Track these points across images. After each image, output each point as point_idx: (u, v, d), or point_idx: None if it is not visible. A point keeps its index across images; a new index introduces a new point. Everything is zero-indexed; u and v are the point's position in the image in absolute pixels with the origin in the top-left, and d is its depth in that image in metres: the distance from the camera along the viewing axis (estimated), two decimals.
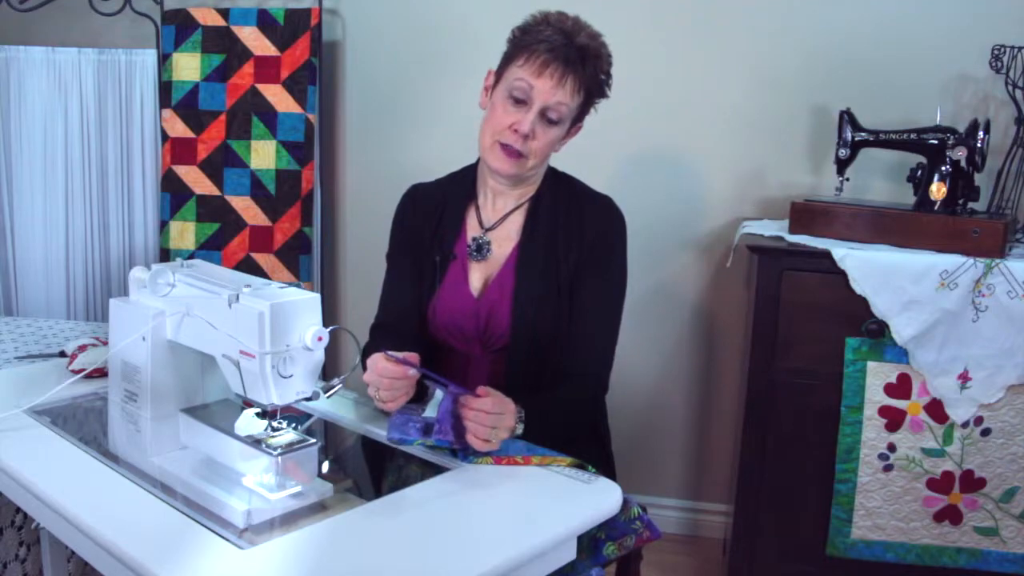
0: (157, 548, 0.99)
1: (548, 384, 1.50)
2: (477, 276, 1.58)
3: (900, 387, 1.91)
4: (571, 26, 1.48)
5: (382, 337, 1.58)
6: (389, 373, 1.30)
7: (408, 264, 1.63)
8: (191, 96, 2.55)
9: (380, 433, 1.37)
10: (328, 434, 1.43)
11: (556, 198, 1.58)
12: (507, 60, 1.51)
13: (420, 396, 1.41)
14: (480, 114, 1.56)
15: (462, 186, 1.63)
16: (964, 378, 1.88)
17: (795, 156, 2.35)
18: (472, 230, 1.60)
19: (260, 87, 2.52)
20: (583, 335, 1.53)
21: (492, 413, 1.25)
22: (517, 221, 1.58)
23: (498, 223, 1.59)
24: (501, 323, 1.52)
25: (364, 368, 1.45)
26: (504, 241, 1.58)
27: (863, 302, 1.88)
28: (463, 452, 1.27)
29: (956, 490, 1.92)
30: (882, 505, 1.95)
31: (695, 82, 2.37)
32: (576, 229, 1.54)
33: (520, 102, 1.47)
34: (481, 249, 1.57)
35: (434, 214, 1.62)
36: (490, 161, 1.51)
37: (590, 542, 1.23)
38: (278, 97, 2.52)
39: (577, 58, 1.45)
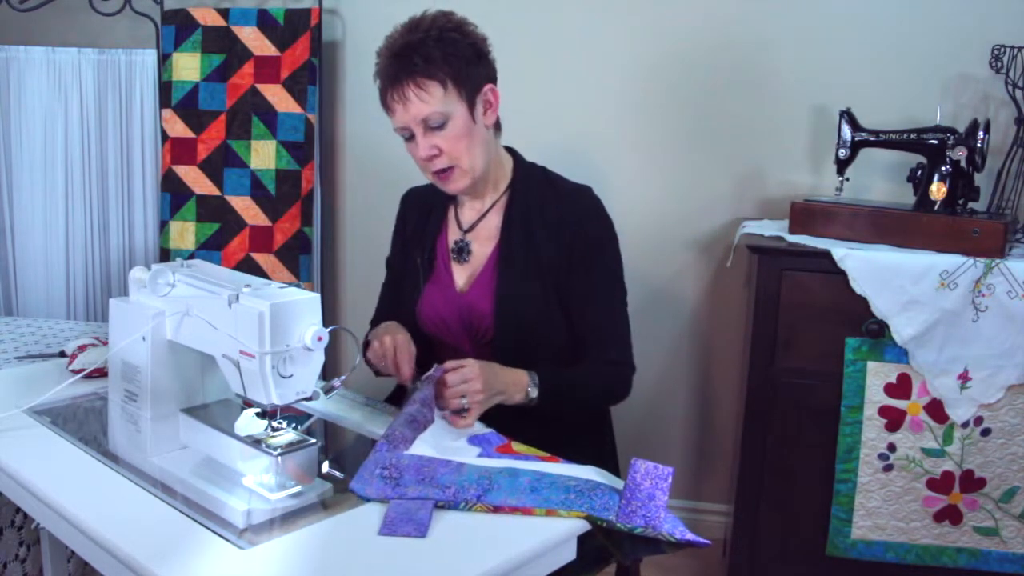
0: (157, 548, 0.99)
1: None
2: (460, 275, 1.60)
3: (900, 387, 1.91)
4: (390, 41, 1.49)
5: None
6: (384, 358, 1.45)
7: (402, 269, 1.67)
8: (191, 96, 2.55)
9: (380, 433, 1.37)
10: (328, 434, 1.43)
11: (530, 192, 1.58)
12: None
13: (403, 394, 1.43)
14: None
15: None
16: (964, 378, 1.88)
17: (795, 156, 2.34)
18: (453, 233, 1.62)
19: (260, 87, 2.52)
20: (595, 326, 1.54)
21: (452, 387, 1.33)
22: (495, 220, 1.59)
23: (476, 224, 1.60)
24: (485, 319, 1.54)
25: (369, 361, 1.55)
26: (484, 241, 1.59)
27: (863, 302, 1.88)
28: (453, 504, 1.12)
29: (956, 490, 1.92)
30: (882, 505, 1.95)
31: (695, 82, 2.37)
32: (554, 221, 1.54)
33: (409, 138, 1.50)
34: (462, 252, 1.59)
35: (422, 217, 1.66)
36: (442, 189, 1.54)
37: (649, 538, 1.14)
38: (278, 97, 2.52)
39: (400, 67, 1.44)
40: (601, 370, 1.54)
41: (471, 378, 1.34)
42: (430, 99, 1.44)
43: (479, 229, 1.60)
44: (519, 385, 1.41)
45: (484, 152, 1.52)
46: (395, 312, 1.63)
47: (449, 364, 1.36)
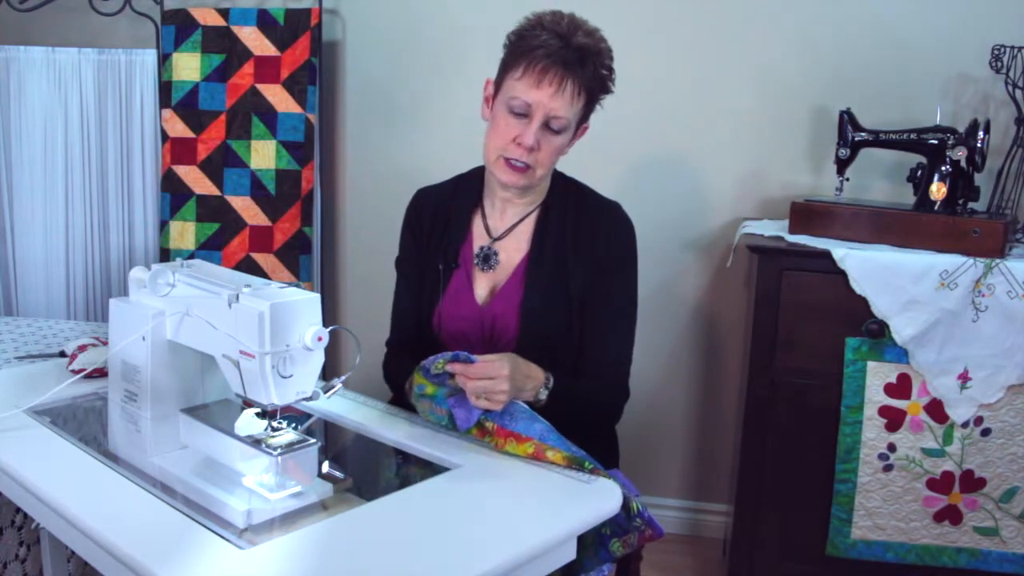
0: (157, 548, 0.99)
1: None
2: (483, 285, 1.56)
3: (900, 387, 1.91)
4: (567, 27, 1.43)
5: (400, 357, 1.60)
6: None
7: (417, 272, 1.62)
8: (191, 96, 2.55)
9: (380, 433, 1.37)
10: (328, 434, 1.43)
11: (565, 206, 1.56)
12: (504, 69, 1.48)
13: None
14: (481, 119, 1.55)
15: (469, 192, 1.61)
16: (964, 378, 1.88)
17: (795, 156, 2.35)
18: (479, 239, 1.58)
19: (260, 87, 2.52)
20: (598, 343, 1.53)
21: (479, 379, 1.29)
22: (526, 231, 1.56)
23: (506, 233, 1.57)
24: (507, 332, 1.52)
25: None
26: (513, 251, 1.56)
27: (863, 302, 1.88)
28: (460, 421, 1.32)
29: (956, 490, 1.92)
30: (882, 505, 1.95)
31: (695, 83, 2.37)
32: (586, 238, 1.53)
33: (521, 115, 1.44)
34: (488, 259, 1.56)
35: (440, 219, 1.61)
36: (498, 175, 1.49)
37: (596, 538, 1.23)
38: (278, 97, 2.52)
39: (575, 60, 1.42)
40: (602, 389, 1.54)
41: (498, 376, 1.30)
42: (573, 106, 1.45)
43: (509, 238, 1.57)
44: (535, 384, 1.40)
45: (551, 170, 1.55)
46: (417, 322, 1.60)
47: (481, 362, 1.32)
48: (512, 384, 1.31)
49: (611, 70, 1.49)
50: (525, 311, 1.51)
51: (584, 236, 1.53)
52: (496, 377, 1.29)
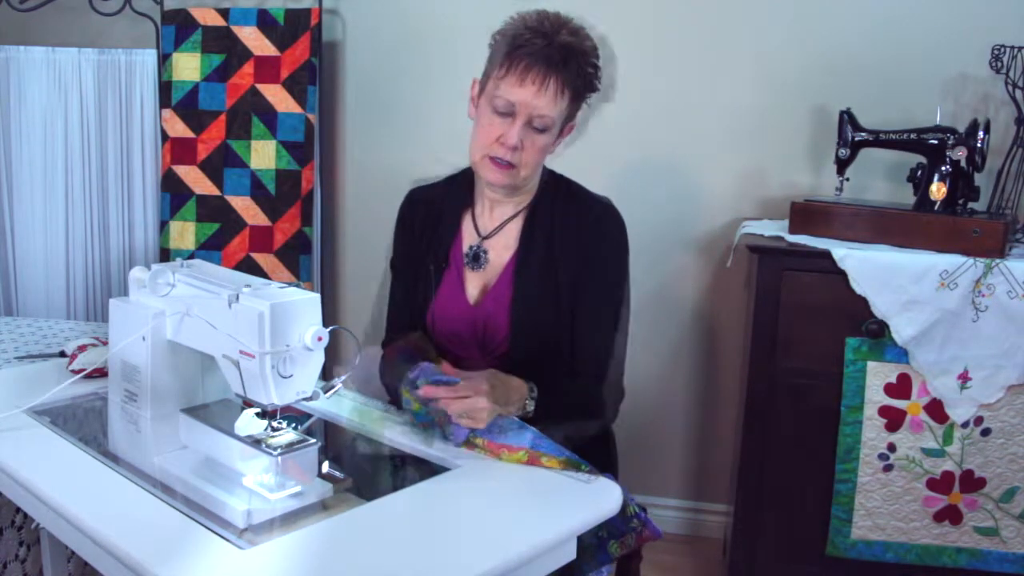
0: (157, 548, 0.99)
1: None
2: (474, 284, 1.57)
3: (900, 387, 1.91)
4: (550, 26, 1.44)
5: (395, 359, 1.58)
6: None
7: (411, 272, 1.62)
8: (191, 96, 2.55)
9: (380, 433, 1.37)
10: (328, 434, 1.43)
11: (554, 204, 1.56)
12: (489, 68, 1.49)
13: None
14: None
15: (459, 192, 1.62)
16: (964, 378, 1.88)
17: (795, 156, 2.35)
18: (469, 238, 1.59)
19: (260, 87, 2.52)
20: (591, 341, 1.52)
21: (456, 397, 1.27)
22: (515, 229, 1.56)
23: (495, 231, 1.57)
24: (499, 331, 1.52)
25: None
26: (502, 250, 1.56)
27: (863, 302, 1.88)
28: (453, 436, 1.30)
29: (956, 490, 1.92)
30: (882, 505, 1.95)
31: (696, 83, 2.37)
32: (574, 235, 1.53)
33: (505, 114, 1.44)
34: (478, 258, 1.56)
35: (431, 219, 1.61)
36: (483, 174, 1.50)
37: (593, 541, 1.23)
38: (278, 97, 2.52)
39: (559, 59, 1.42)
40: (595, 389, 1.51)
41: (477, 394, 1.26)
42: (557, 104, 1.44)
43: (498, 237, 1.57)
44: (520, 396, 1.37)
45: (539, 170, 1.54)
46: (411, 320, 1.60)
47: (462, 383, 1.29)
48: (493, 400, 1.28)
49: (596, 68, 1.49)
50: (515, 310, 1.51)
51: (572, 233, 1.53)
52: (475, 395, 1.27)
